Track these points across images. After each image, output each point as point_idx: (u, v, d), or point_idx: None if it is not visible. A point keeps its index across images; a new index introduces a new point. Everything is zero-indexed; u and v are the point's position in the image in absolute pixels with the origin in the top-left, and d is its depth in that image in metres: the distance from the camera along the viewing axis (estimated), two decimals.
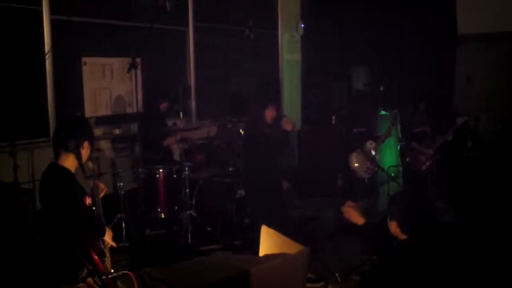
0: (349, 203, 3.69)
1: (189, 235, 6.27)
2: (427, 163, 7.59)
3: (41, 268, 3.74)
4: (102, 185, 4.00)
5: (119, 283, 3.71)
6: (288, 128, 5.98)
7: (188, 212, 6.34)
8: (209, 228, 6.43)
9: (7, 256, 4.87)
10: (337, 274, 4.46)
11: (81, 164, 3.77)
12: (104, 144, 7.19)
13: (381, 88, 8.94)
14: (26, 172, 5.94)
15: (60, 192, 3.63)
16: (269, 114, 5.99)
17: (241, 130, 7.46)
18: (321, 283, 5.34)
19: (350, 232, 6.85)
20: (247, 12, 9.26)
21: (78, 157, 3.74)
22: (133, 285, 3.62)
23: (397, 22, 10.15)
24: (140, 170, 6.41)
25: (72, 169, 3.76)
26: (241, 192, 6.63)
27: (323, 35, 10.66)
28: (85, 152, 3.79)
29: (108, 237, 3.84)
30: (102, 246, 3.74)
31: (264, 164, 5.88)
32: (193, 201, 6.50)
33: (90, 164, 3.89)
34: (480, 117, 8.26)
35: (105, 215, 5.67)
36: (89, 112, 6.91)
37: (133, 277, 3.63)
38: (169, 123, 7.39)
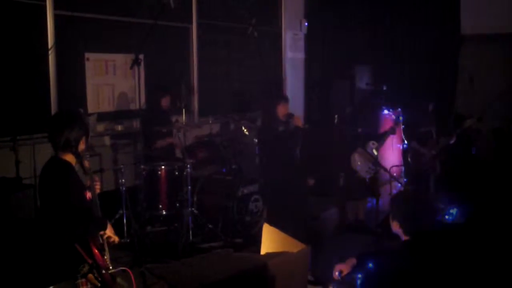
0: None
1: (190, 232, 6.27)
2: (428, 164, 7.57)
3: (42, 263, 3.73)
4: (98, 184, 3.98)
5: (119, 280, 3.71)
6: (299, 124, 6.03)
7: (190, 209, 6.34)
8: (210, 226, 6.42)
9: (9, 251, 4.87)
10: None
11: (80, 162, 3.77)
12: (106, 140, 7.18)
13: (384, 88, 8.92)
14: (28, 167, 5.93)
15: (62, 184, 3.62)
16: (282, 110, 6.02)
17: (243, 128, 7.47)
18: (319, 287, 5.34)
19: (352, 231, 6.91)
20: (250, 10, 9.25)
21: (77, 155, 3.73)
22: (132, 282, 3.62)
23: (400, 22, 10.13)
24: (142, 166, 6.41)
25: (73, 163, 3.77)
26: (242, 190, 6.62)
27: (327, 33, 10.64)
28: (82, 148, 3.79)
29: (110, 232, 3.84)
30: (101, 241, 3.74)
31: (282, 161, 5.89)
32: (195, 199, 6.50)
33: (87, 163, 3.87)
34: (483, 118, 8.23)
35: (106, 211, 5.66)
36: (91, 108, 6.91)
37: (131, 274, 3.64)
38: (172, 119, 7.38)
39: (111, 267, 3.62)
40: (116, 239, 3.87)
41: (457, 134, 7.61)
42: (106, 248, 3.74)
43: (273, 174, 6.05)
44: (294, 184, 6.06)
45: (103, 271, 3.52)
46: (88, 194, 3.80)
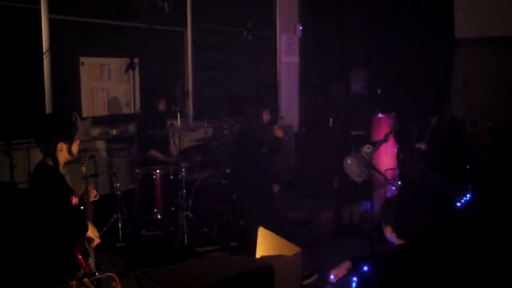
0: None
1: (186, 236, 6.26)
2: (418, 168, 7.59)
3: (35, 268, 3.72)
4: (94, 191, 3.96)
5: (114, 284, 3.70)
6: (279, 135, 5.99)
7: (185, 213, 6.33)
8: (205, 229, 6.42)
9: (3, 256, 4.86)
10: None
11: (56, 165, 3.70)
12: (101, 145, 7.17)
13: (379, 91, 8.95)
14: (22, 171, 5.93)
15: (43, 189, 3.61)
16: (266, 117, 6.01)
17: None
18: (314, 276, 5.35)
19: (346, 235, 6.92)
20: (245, 14, 9.26)
21: (53, 159, 3.68)
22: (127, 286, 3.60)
23: (395, 25, 10.18)
24: (137, 170, 6.41)
25: (60, 166, 3.74)
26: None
27: (321, 37, 10.68)
28: (62, 154, 3.73)
29: (92, 233, 3.81)
30: (87, 245, 3.71)
31: (254, 166, 5.88)
32: (190, 202, 6.49)
33: (83, 169, 3.85)
34: (478, 122, 8.27)
35: (101, 215, 5.65)
36: (86, 112, 6.90)
37: (116, 279, 3.61)
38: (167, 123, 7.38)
39: (96, 272, 3.58)
40: (97, 240, 3.82)
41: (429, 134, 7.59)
42: (92, 253, 3.72)
43: (247, 179, 6.03)
44: (268, 190, 6.08)
45: (85, 279, 3.48)
46: (74, 200, 3.75)
